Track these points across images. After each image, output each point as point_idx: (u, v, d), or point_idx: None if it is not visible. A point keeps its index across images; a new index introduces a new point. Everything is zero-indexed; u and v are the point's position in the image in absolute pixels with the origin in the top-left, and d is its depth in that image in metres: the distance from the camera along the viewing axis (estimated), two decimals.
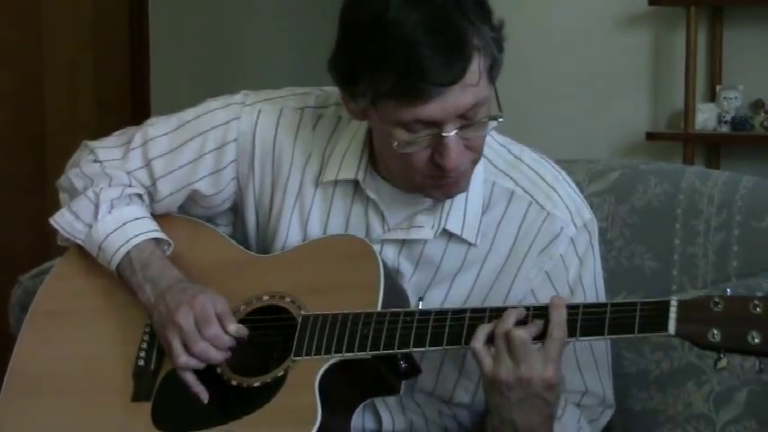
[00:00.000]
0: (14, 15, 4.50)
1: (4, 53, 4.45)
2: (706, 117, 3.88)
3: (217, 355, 1.83)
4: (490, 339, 1.69)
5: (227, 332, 1.83)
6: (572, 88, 4.09)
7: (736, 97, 3.86)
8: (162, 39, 4.97)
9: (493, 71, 1.73)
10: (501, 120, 1.74)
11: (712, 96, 3.92)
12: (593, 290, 1.90)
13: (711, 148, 3.97)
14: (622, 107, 4.03)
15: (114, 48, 4.88)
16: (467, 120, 1.71)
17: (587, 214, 1.91)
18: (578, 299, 1.87)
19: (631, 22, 4.00)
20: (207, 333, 1.82)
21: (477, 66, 1.69)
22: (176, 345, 1.83)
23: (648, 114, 4.04)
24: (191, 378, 1.84)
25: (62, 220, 1.96)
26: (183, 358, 1.82)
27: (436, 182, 1.76)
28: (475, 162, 1.79)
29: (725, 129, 3.87)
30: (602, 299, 1.92)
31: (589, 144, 3.95)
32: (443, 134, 1.70)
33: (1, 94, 4.44)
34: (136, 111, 4.69)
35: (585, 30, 4.05)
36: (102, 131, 2.12)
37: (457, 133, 1.71)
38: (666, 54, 3.99)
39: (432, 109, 1.68)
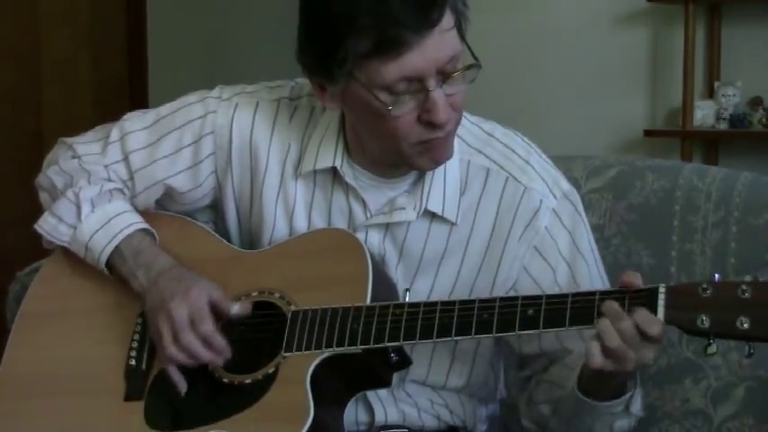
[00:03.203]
0: (12, 13, 4.50)
1: (1, 50, 4.45)
2: (704, 114, 3.88)
3: (203, 353, 1.81)
4: None
5: (230, 315, 1.83)
6: (570, 85, 4.09)
7: (734, 94, 3.86)
8: (160, 36, 4.97)
9: (461, 25, 1.74)
10: (479, 68, 1.74)
11: (710, 93, 3.92)
12: (592, 258, 1.90)
13: (709, 145, 3.98)
14: (620, 104, 4.04)
15: (112, 45, 4.88)
16: (446, 74, 1.72)
17: (565, 185, 1.91)
18: (581, 269, 1.87)
19: (629, 19, 4.00)
20: (201, 330, 1.81)
21: (450, 12, 1.71)
22: (166, 334, 1.82)
23: (646, 111, 4.05)
24: (172, 369, 1.83)
25: (46, 225, 1.95)
26: (171, 349, 1.81)
27: (425, 147, 1.76)
28: (457, 123, 1.79)
29: (723, 126, 3.87)
30: (601, 266, 1.92)
31: (587, 141, 3.95)
32: (429, 89, 1.70)
33: None
34: (134, 108, 4.68)
35: (584, 27, 4.06)
36: None
37: (441, 87, 1.72)
38: (664, 51, 3.99)
39: (414, 59, 1.68)
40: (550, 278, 1.86)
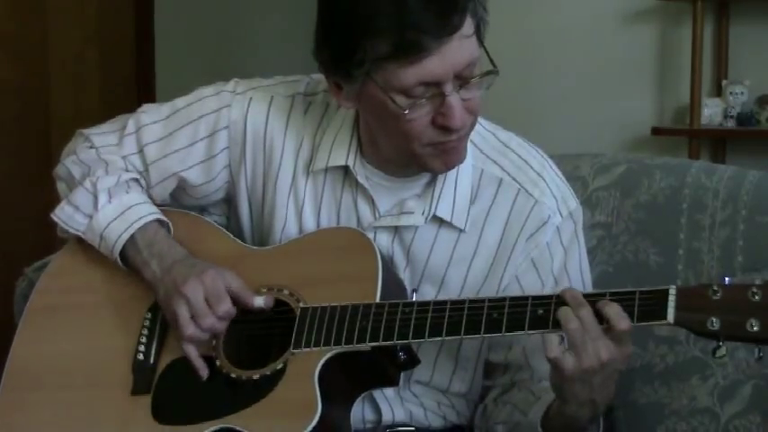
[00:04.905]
0: (19, 8, 4.50)
1: (9, 46, 4.46)
2: (712, 112, 3.87)
3: (223, 328, 1.83)
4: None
5: (254, 307, 1.83)
6: (578, 83, 4.08)
7: (742, 92, 3.85)
8: (167, 32, 4.97)
9: (480, 30, 1.74)
10: (497, 74, 1.74)
11: (718, 91, 3.91)
12: (578, 279, 1.91)
13: (717, 144, 3.97)
14: (628, 102, 4.03)
15: (119, 41, 4.89)
16: (463, 79, 1.71)
17: (573, 203, 1.92)
18: (563, 287, 1.87)
19: (637, 17, 4.00)
20: (220, 310, 1.82)
21: (470, 17, 1.70)
22: (183, 315, 1.82)
23: (654, 109, 4.04)
24: (193, 353, 1.84)
25: (62, 214, 1.96)
26: (190, 329, 1.82)
27: (437, 149, 1.76)
28: (472, 126, 1.79)
29: (730, 124, 3.87)
30: (589, 288, 1.93)
31: (595, 138, 3.94)
32: (446, 94, 1.70)
33: (7, 88, 4.45)
34: (141, 104, 4.69)
35: (592, 24, 4.05)
36: None
37: (458, 92, 1.71)
38: (672, 49, 3.98)
39: (432, 64, 1.68)
40: (537, 291, 1.86)
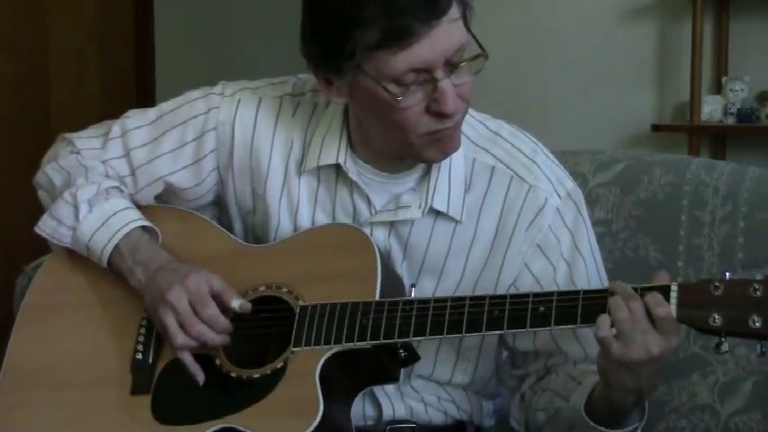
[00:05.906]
0: (20, 5, 4.50)
1: (9, 43, 4.46)
2: (712, 109, 3.87)
3: (214, 337, 1.81)
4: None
5: (230, 308, 1.82)
6: (578, 80, 4.08)
7: (742, 89, 3.85)
8: (167, 30, 4.97)
9: (467, 16, 1.74)
10: (486, 58, 1.74)
11: (718, 88, 3.91)
12: (591, 258, 1.90)
13: (717, 140, 3.97)
14: (628, 99, 4.03)
15: (119, 38, 4.89)
16: (453, 65, 1.72)
17: (570, 184, 1.91)
18: (579, 269, 1.87)
19: (637, 14, 4.00)
20: (204, 314, 1.81)
21: (457, 2, 1.71)
22: (171, 324, 1.81)
23: (654, 106, 4.04)
24: (188, 359, 1.83)
25: (46, 227, 1.95)
26: (180, 338, 1.81)
27: (433, 138, 1.76)
28: (465, 113, 1.79)
29: (730, 120, 3.86)
30: (601, 267, 1.92)
31: (594, 135, 3.95)
32: (437, 79, 1.70)
33: (7, 84, 4.45)
34: (141, 101, 4.70)
35: (592, 21, 4.05)
36: None
37: (449, 77, 1.72)
38: (672, 46, 3.98)
39: (423, 49, 1.68)
40: (550, 276, 1.87)
